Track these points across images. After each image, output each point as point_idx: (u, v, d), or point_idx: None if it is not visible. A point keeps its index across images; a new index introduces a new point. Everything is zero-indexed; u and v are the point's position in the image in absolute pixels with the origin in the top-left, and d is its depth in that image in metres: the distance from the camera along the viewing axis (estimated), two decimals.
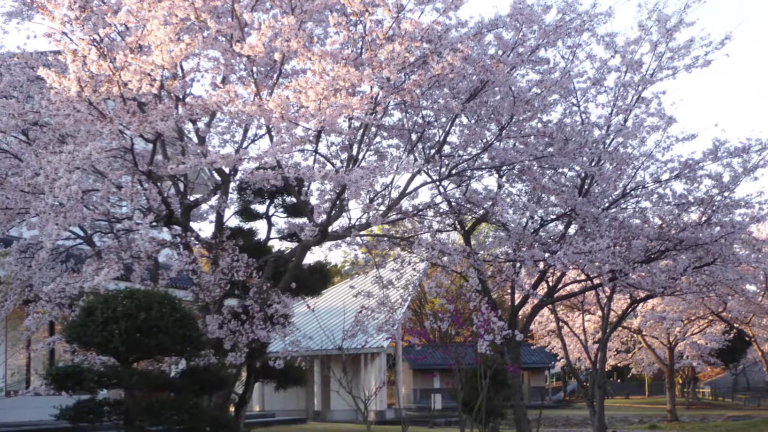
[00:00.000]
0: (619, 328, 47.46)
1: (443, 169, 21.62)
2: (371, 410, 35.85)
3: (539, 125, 21.62)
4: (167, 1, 15.01)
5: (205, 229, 21.13)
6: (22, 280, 18.64)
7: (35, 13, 17.07)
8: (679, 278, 26.19)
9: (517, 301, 26.79)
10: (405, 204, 21.45)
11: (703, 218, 25.13)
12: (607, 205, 23.94)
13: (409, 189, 20.59)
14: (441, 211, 23.39)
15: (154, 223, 17.72)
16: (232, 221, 22.24)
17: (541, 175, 22.79)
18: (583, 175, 23.36)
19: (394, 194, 20.70)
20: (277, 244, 22.85)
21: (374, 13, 16.10)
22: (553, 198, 23.54)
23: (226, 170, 19.15)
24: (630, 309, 34.54)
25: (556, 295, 28.35)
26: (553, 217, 24.51)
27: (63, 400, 15.87)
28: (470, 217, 24.57)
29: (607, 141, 23.13)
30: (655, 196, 24.91)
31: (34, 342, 22.37)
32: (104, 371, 15.77)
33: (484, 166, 22.01)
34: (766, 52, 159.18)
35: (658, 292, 27.27)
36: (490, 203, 22.29)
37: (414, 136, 20.90)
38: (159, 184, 17.79)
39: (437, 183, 22.17)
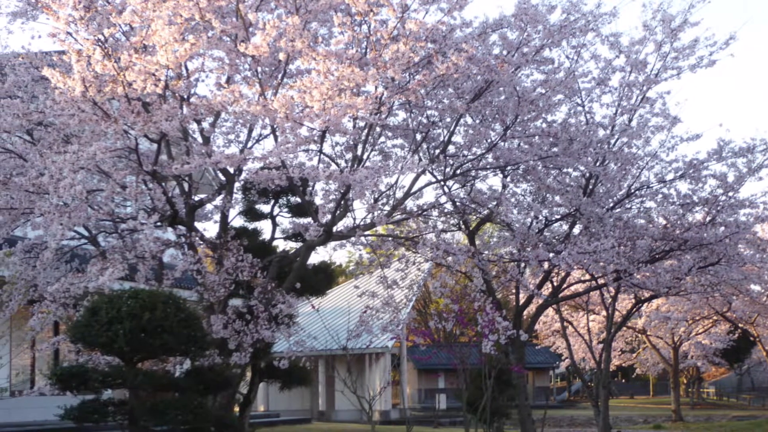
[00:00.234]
0: (624, 328, 47.40)
1: (448, 169, 21.61)
2: (376, 410, 35.91)
3: (544, 125, 21.62)
4: (172, 1, 15.01)
5: (209, 229, 21.17)
6: (27, 280, 18.62)
7: (40, 13, 17.09)
8: (684, 278, 26.19)
9: (521, 301, 26.76)
10: (409, 204, 21.48)
11: (708, 218, 25.12)
12: (611, 205, 23.93)
13: (414, 189, 20.62)
14: (445, 211, 23.38)
15: (159, 223, 17.71)
16: (237, 221, 22.29)
17: (545, 175, 22.77)
18: (587, 175, 23.35)
19: (399, 194, 20.72)
20: (281, 244, 22.90)
21: (379, 13, 16.08)
22: (557, 198, 23.52)
23: (231, 170, 19.16)
24: (634, 309, 34.57)
25: (560, 295, 28.32)
26: (558, 217, 24.50)
27: (67, 400, 15.88)
28: (475, 217, 24.56)
29: (612, 141, 23.09)
30: (660, 196, 24.89)
31: (39, 342, 22.38)
32: (109, 371, 15.79)
33: (488, 166, 22.00)
34: None
35: (662, 292, 27.27)
36: (494, 203, 22.28)
37: (419, 136, 20.89)
38: (163, 184, 17.79)
39: (442, 183, 22.16)
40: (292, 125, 15.55)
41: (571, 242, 22.69)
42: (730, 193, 24.92)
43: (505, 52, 19.42)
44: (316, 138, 17.79)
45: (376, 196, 20.42)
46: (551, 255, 21.75)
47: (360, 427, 39.89)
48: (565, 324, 38.21)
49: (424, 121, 20.80)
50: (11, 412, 26.63)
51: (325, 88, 15.03)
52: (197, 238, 18.68)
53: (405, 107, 20.16)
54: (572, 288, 30.27)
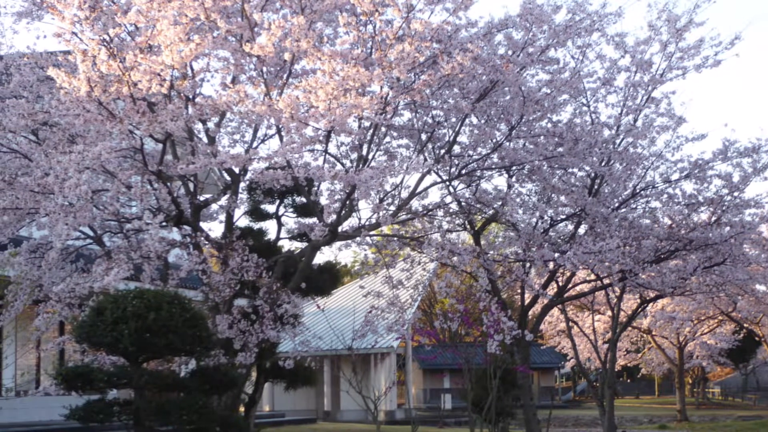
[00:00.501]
0: (629, 328, 47.44)
1: (453, 169, 21.61)
2: (381, 410, 35.84)
3: (549, 125, 21.61)
4: (177, 1, 15.02)
5: (214, 229, 21.17)
6: (32, 280, 18.63)
7: (45, 13, 17.08)
8: (689, 278, 26.16)
9: (526, 301, 26.77)
10: (415, 204, 21.45)
11: (713, 218, 25.09)
12: (617, 205, 23.91)
13: (419, 189, 20.59)
14: (451, 211, 23.37)
15: (164, 223, 17.73)
16: (242, 221, 22.30)
17: (551, 175, 22.77)
18: (592, 175, 23.34)
19: (404, 194, 20.70)
20: (287, 244, 22.89)
21: (384, 13, 16.09)
22: (563, 198, 23.50)
23: (236, 170, 19.16)
24: (640, 309, 34.51)
25: (565, 295, 28.33)
26: (563, 217, 24.47)
27: (73, 400, 15.87)
28: (480, 217, 24.56)
29: (617, 141, 23.09)
30: (665, 196, 24.87)
31: (44, 342, 22.39)
32: (114, 371, 15.78)
33: (493, 166, 21.98)
34: None
35: (667, 292, 27.24)
36: (499, 203, 22.29)
37: (424, 136, 20.88)
38: (169, 184, 17.79)
39: (447, 183, 22.17)
40: (298, 125, 15.54)
41: (577, 242, 22.67)
42: (736, 193, 24.88)
43: (510, 52, 19.41)
44: (321, 138, 17.80)
45: (382, 196, 20.43)
46: (556, 255, 21.76)
47: (365, 427, 39.93)
48: (571, 324, 38.23)
49: (430, 121, 20.79)
50: (16, 412, 26.68)
51: (330, 88, 15.02)
52: (202, 238, 18.68)
53: (410, 107, 20.15)
54: (577, 288, 30.28)
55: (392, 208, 20.35)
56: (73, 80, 15.32)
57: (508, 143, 21.05)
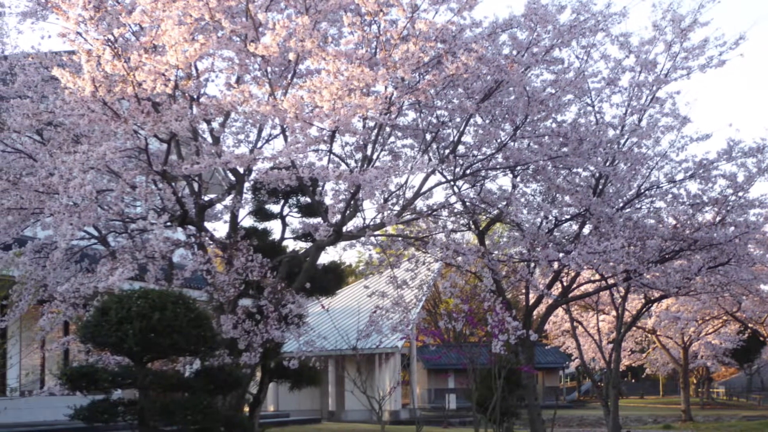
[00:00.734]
0: (634, 328, 47.40)
1: (458, 169, 21.60)
2: (386, 410, 35.90)
3: (554, 125, 21.59)
4: (181, 1, 15.01)
5: (219, 229, 21.20)
6: (37, 280, 18.61)
7: (50, 13, 17.07)
8: (694, 278, 26.16)
9: (531, 301, 26.75)
10: (419, 204, 21.46)
11: (718, 218, 25.10)
12: (621, 205, 23.90)
13: (424, 189, 20.60)
14: (455, 211, 23.36)
15: (169, 223, 17.70)
16: (247, 221, 22.31)
17: (555, 175, 22.74)
18: (597, 175, 23.32)
19: (409, 194, 20.70)
20: (291, 244, 22.93)
21: (389, 13, 16.06)
22: (567, 198, 23.49)
23: (241, 170, 19.17)
24: (644, 309, 34.57)
25: (570, 295, 28.31)
26: (568, 217, 24.46)
27: (77, 400, 15.88)
28: (485, 217, 24.56)
29: (622, 141, 23.06)
30: (670, 196, 24.86)
31: (49, 342, 22.41)
32: (118, 371, 15.78)
33: (498, 166, 21.98)
34: None
35: (672, 292, 27.25)
36: (504, 203, 22.27)
37: (428, 136, 20.87)
38: (173, 184, 17.78)
39: (452, 183, 22.16)
40: (302, 125, 15.53)
41: (581, 242, 22.67)
42: (740, 193, 24.90)
43: (515, 52, 19.39)
44: (325, 138, 17.77)
45: (386, 196, 20.41)
46: (561, 255, 21.73)
47: (370, 427, 39.91)
48: (575, 324, 38.20)
49: (434, 121, 20.78)
50: (21, 412, 26.68)
51: (334, 88, 15.01)
52: (207, 238, 18.68)
53: (415, 107, 20.15)
54: (582, 288, 30.26)
55: (397, 208, 20.34)
56: (78, 80, 15.32)
57: (512, 143, 21.05)
